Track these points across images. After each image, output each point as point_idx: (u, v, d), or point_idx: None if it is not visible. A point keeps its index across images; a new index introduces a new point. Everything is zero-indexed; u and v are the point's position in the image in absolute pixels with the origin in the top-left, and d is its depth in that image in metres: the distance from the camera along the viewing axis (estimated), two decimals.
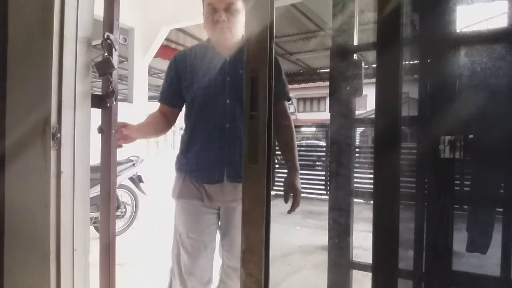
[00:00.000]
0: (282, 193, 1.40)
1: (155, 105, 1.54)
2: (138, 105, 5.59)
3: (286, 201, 1.41)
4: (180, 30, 6.19)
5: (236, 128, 1.35)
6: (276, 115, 0.92)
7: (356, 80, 1.06)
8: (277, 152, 1.68)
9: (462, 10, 0.89)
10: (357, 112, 1.18)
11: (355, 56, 1.09)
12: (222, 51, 1.41)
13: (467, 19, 0.92)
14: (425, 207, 0.90)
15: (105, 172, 1.17)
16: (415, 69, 0.93)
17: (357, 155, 5.43)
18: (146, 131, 1.50)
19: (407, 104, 0.91)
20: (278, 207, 1.38)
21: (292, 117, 1.54)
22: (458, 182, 0.94)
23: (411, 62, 0.93)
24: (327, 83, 4.24)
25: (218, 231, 1.48)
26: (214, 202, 1.41)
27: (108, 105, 1.15)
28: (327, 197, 3.00)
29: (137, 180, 3.75)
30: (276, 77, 0.94)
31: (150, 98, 6.49)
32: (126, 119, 1.35)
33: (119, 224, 3.53)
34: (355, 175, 1.22)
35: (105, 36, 1.11)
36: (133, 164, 3.66)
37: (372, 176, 0.82)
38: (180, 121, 1.55)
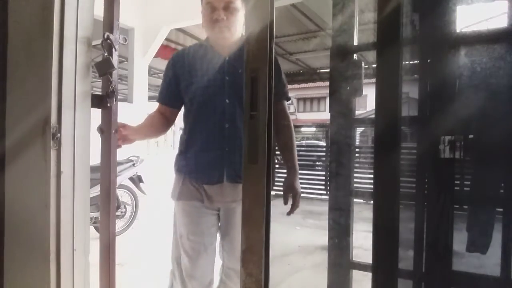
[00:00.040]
0: (282, 193, 1.40)
1: (155, 105, 1.54)
2: (138, 105, 5.59)
3: (285, 203, 1.40)
4: (180, 30, 6.20)
5: (236, 128, 1.34)
6: (275, 115, 0.92)
7: (356, 80, 1.06)
8: (277, 152, 1.68)
9: (462, 10, 0.89)
10: (357, 112, 1.18)
11: (355, 56, 1.09)
12: (221, 50, 1.40)
13: (467, 19, 0.92)
14: (425, 207, 0.90)
15: (105, 172, 1.17)
16: (415, 69, 0.93)
17: (357, 155, 5.43)
18: (145, 132, 1.50)
19: (407, 104, 0.91)
20: (278, 207, 1.38)
21: (292, 117, 1.54)
22: (458, 182, 0.94)
23: (411, 62, 0.93)
24: (327, 83, 4.24)
25: (218, 232, 1.48)
26: (214, 203, 1.40)
27: (108, 105, 1.15)
28: (327, 197, 3.00)
29: (137, 180, 3.75)
30: (275, 77, 0.94)
31: (150, 98, 6.49)
32: (126, 119, 1.35)
33: (119, 224, 3.53)
34: (355, 175, 1.22)
35: (105, 36, 1.11)
36: (133, 164, 3.66)
37: (372, 176, 0.82)
38: (181, 121, 1.55)
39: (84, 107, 1.07)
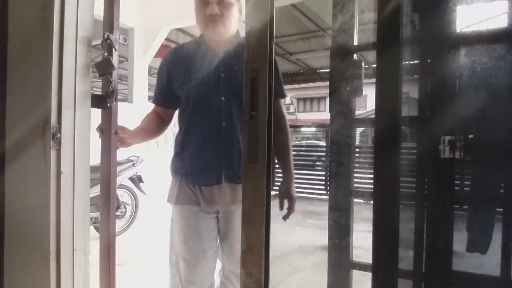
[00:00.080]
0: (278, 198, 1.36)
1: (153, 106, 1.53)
2: (138, 105, 5.59)
3: (281, 208, 1.36)
4: (180, 30, 6.20)
5: (233, 126, 1.28)
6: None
7: (356, 80, 1.06)
8: None
9: (462, 10, 0.89)
10: (357, 112, 1.17)
11: (355, 56, 1.09)
12: (216, 46, 1.35)
13: (467, 19, 0.92)
14: (425, 207, 0.90)
15: (105, 172, 1.17)
16: (415, 69, 0.93)
17: (357, 155, 5.42)
18: (143, 135, 1.46)
19: (407, 104, 0.91)
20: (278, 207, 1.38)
21: (292, 117, 1.53)
22: (458, 182, 0.94)
23: (411, 62, 0.93)
24: (327, 83, 4.24)
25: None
26: (213, 206, 1.35)
27: (108, 105, 1.15)
28: (327, 197, 3.00)
29: (137, 180, 3.76)
30: (275, 76, 0.94)
31: (150, 98, 6.47)
32: (126, 119, 1.35)
33: (119, 224, 3.53)
34: (355, 175, 1.21)
35: (105, 36, 1.11)
36: (133, 164, 3.67)
37: (372, 176, 0.82)
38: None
39: (84, 107, 1.07)
